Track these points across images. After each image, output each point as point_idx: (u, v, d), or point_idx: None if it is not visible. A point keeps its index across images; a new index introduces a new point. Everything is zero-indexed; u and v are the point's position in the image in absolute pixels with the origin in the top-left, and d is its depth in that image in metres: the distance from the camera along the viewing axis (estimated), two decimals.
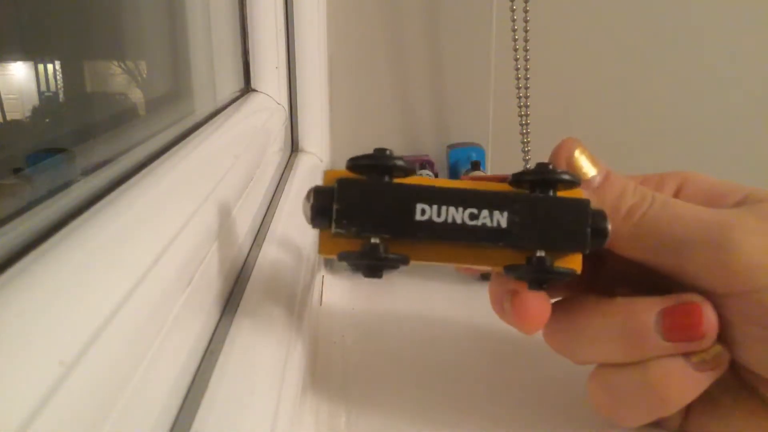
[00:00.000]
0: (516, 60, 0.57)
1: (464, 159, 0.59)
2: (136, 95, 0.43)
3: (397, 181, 0.22)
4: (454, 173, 0.60)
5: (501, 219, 0.22)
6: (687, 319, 0.22)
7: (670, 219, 0.23)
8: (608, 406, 0.24)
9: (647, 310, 0.23)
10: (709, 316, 0.22)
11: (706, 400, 0.23)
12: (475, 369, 0.32)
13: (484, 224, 0.22)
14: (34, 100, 0.29)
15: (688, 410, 0.25)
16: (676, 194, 0.26)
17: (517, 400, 0.29)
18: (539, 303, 0.24)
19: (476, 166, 0.56)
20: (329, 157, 0.64)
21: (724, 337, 0.23)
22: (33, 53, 0.29)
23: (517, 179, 0.23)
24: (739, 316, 0.22)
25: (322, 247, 0.23)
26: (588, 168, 0.25)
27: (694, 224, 0.22)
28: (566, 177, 0.22)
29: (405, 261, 0.23)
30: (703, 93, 0.68)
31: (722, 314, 0.23)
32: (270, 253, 0.32)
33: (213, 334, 0.24)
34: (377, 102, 0.66)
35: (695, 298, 0.23)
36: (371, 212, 0.22)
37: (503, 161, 0.64)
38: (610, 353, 0.24)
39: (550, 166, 0.22)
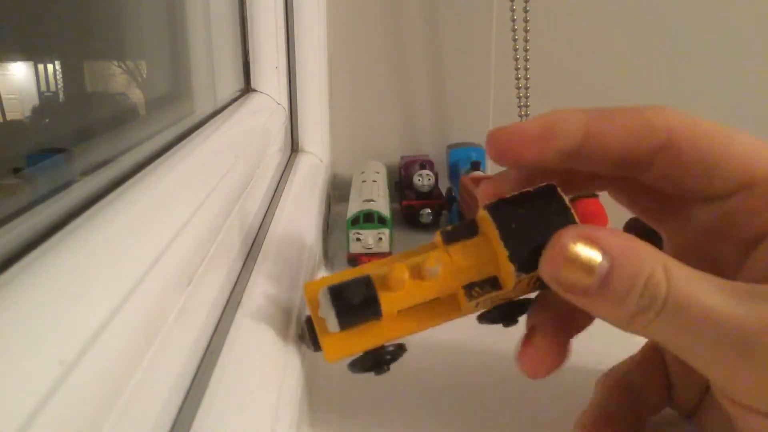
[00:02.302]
0: (516, 60, 0.57)
1: (464, 159, 0.60)
2: (136, 95, 0.43)
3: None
4: (454, 173, 0.60)
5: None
6: None
7: (680, 328, 0.19)
8: None
9: None
10: None
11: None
12: (476, 369, 0.31)
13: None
14: (34, 100, 0.29)
15: (705, 394, 0.25)
16: (659, 157, 0.22)
17: (525, 417, 0.29)
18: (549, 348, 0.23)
19: (476, 166, 0.56)
20: (329, 157, 0.64)
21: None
22: (33, 53, 0.29)
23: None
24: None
25: (329, 353, 0.24)
26: (590, 256, 0.20)
27: (709, 332, 0.18)
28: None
29: (404, 349, 0.24)
30: (705, 91, 0.68)
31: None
32: (270, 252, 0.32)
33: (213, 333, 0.24)
34: (377, 102, 0.66)
35: None
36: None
37: None
38: None
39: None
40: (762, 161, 0.21)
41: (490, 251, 0.22)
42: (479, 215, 0.23)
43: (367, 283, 0.23)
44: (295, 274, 0.32)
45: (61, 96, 0.32)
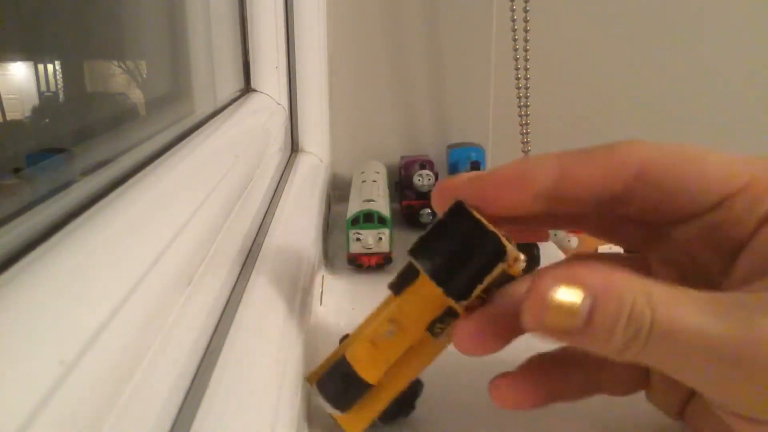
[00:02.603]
0: (516, 60, 0.57)
1: (464, 159, 0.60)
2: (136, 95, 0.43)
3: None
4: (454, 173, 0.60)
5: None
6: None
7: (670, 352, 0.19)
8: None
9: None
10: None
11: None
12: (477, 368, 0.31)
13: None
14: (34, 100, 0.29)
15: (689, 398, 0.25)
16: (635, 189, 0.22)
17: (527, 414, 0.29)
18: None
19: (476, 166, 0.56)
20: (329, 157, 0.64)
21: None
22: (33, 53, 0.29)
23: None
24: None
25: (349, 428, 0.25)
26: (573, 297, 0.20)
27: (697, 352, 0.19)
28: None
29: (420, 384, 0.27)
30: (704, 91, 0.68)
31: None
32: (270, 252, 0.32)
33: (213, 333, 0.24)
34: (377, 102, 0.66)
35: None
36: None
37: (503, 161, 0.64)
38: None
39: None
40: (737, 175, 0.21)
41: (433, 288, 0.23)
42: (416, 264, 0.23)
43: (343, 366, 0.24)
44: (295, 275, 0.32)
45: (61, 96, 0.32)
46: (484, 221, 0.22)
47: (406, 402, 0.26)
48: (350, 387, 0.24)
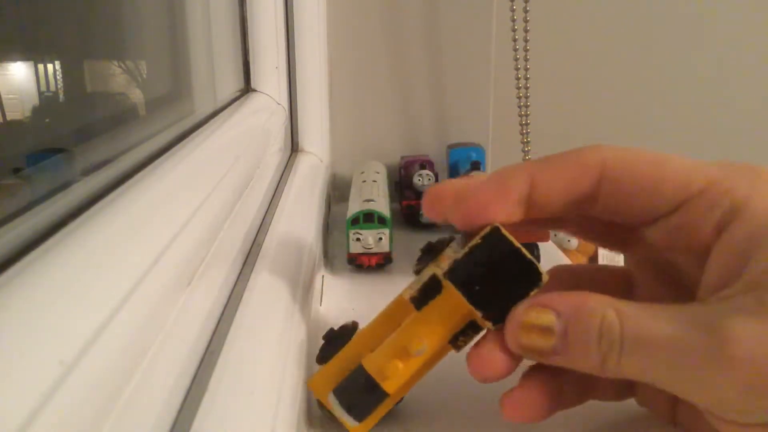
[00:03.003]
0: (516, 60, 0.57)
1: (464, 159, 0.60)
2: (136, 95, 0.43)
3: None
4: (454, 173, 0.60)
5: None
6: None
7: (644, 359, 0.20)
8: None
9: None
10: None
11: None
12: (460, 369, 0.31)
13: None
14: (34, 100, 0.29)
15: (676, 401, 0.25)
16: (599, 191, 0.23)
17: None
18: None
19: (476, 166, 0.56)
20: (329, 157, 0.64)
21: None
22: (33, 53, 0.29)
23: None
24: None
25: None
26: (545, 320, 0.22)
27: (668, 357, 0.20)
28: None
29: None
30: (704, 92, 0.68)
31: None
32: (270, 252, 0.32)
33: (213, 333, 0.24)
34: (377, 102, 0.66)
35: None
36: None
37: (503, 161, 0.64)
38: None
39: None
40: (695, 178, 0.22)
41: (460, 302, 0.24)
42: (441, 279, 0.24)
43: (363, 377, 0.24)
44: (295, 275, 0.32)
45: (61, 96, 0.32)
46: (522, 248, 0.23)
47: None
48: (372, 399, 0.25)
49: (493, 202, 0.23)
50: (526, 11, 0.56)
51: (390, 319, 0.25)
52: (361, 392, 0.25)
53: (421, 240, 0.55)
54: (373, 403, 0.25)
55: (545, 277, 0.23)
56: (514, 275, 0.23)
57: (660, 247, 0.24)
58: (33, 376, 0.12)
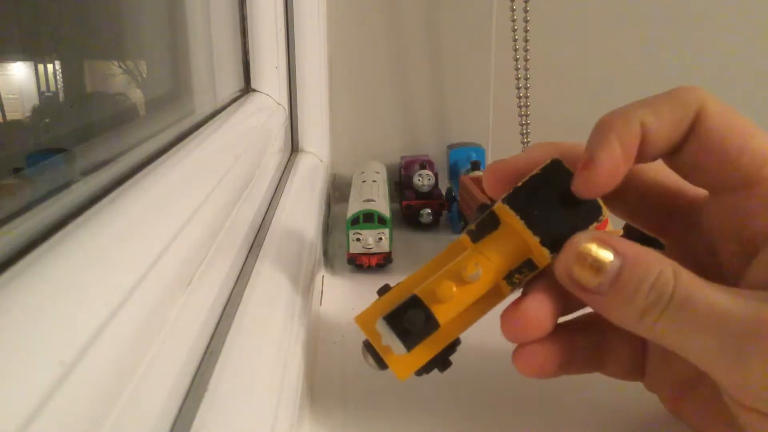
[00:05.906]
0: (516, 60, 0.57)
1: (464, 159, 0.60)
2: (136, 95, 0.43)
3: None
4: (454, 173, 0.60)
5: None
6: None
7: (686, 323, 0.20)
8: None
9: None
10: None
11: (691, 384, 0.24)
12: (478, 367, 0.31)
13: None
14: (34, 100, 0.29)
15: (682, 388, 0.25)
16: (692, 144, 0.22)
17: (526, 404, 0.29)
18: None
19: (476, 166, 0.56)
20: (329, 157, 0.64)
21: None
22: (33, 53, 0.29)
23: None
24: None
25: (400, 372, 0.24)
26: (603, 255, 0.21)
27: (712, 327, 0.20)
28: None
29: (458, 341, 0.25)
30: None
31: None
32: (270, 252, 0.32)
33: (213, 333, 0.24)
34: (377, 102, 0.66)
35: None
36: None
37: None
38: None
39: None
40: None
41: (517, 238, 0.23)
42: (497, 207, 0.24)
43: (419, 303, 0.23)
44: (295, 275, 0.32)
45: (61, 96, 0.32)
46: None
47: (444, 356, 0.25)
48: (424, 325, 0.23)
49: (622, 165, 0.22)
50: (526, 11, 0.56)
51: (443, 263, 0.25)
52: (411, 319, 0.23)
53: (420, 240, 0.55)
54: (425, 332, 0.23)
55: (606, 212, 0.23)
56: (573, 206, 0.22)
57: (711, 230, 0.23)
58: (33, 376, 0.12)
